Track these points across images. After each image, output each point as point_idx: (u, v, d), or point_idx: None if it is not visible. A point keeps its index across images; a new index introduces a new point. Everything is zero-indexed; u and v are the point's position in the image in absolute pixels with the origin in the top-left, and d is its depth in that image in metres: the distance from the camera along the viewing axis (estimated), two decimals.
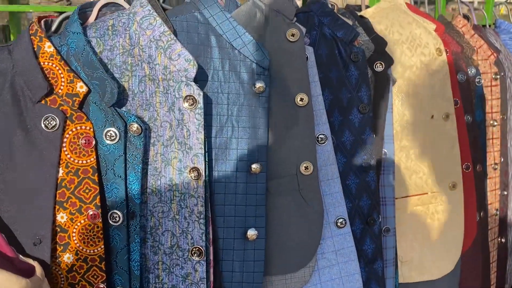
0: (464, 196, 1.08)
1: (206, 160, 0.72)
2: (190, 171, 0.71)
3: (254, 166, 0.76)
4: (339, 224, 0.86)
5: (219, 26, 0.77)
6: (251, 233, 0.76)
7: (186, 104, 0.69)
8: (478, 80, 1.18)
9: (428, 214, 1.05)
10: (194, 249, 0.73)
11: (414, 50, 1.03)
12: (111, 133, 0.67)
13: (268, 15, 0.83)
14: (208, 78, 0.76)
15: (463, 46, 1.16)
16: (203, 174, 0.71)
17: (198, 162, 0.71)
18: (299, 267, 0.83)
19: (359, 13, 1.03)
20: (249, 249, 0.78)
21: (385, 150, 0.98)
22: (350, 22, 0.95)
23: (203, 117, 0.69)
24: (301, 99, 0.82)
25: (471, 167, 1.10)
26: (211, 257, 0.74)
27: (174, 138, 0.71)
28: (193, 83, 0.69)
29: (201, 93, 0.69)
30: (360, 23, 0.97)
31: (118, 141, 0.68)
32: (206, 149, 0.72)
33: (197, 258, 0.72)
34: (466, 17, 1.25)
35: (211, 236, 0.74)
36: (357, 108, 0.92)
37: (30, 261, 0.63)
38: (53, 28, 0.71)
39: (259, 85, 0.77)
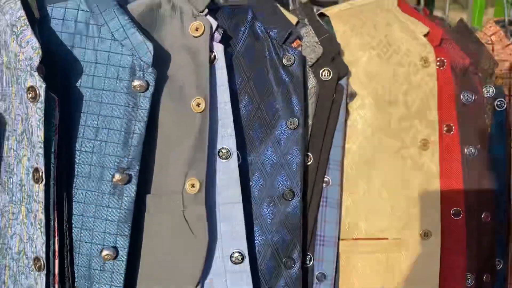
0: (446, 250, 0.84)
1: (53, 161, 0.64)
2: (33, 172, 0.64)
3: (117, 175, 0.66)
4: (234, 259, 0.72)
5: (102, 15, 0.68)
6: (106, 252, 0.66)
7: (29, 97, 0.62)
8: (499, 103, 0.91)
9: (387, 265, 0.82)
10: (36, 259, 0.65)
11: (388, 58, 0.82)
12: None
13: (176, 6, 0.72)
14: (81, 70, 0.68)
15: (479, 59, 0.91)
16: (43, 177, 0.63)
17: (39, 163, 0.63)
18: None
19: (323, 9, 0.86)
20: (106, 271, 0.68)
21: (328, 178, 0.80)
22: (295, 19, 0.79)
23: (43, 112, 0.61)
24: (198, 104, 0.70)
25: (462, 214, 0.85)
26: (56, 271, 0.66)
27: (24, 133, 0.65)
28: (36, 74, 0.61)
29: (43, 85, 0.61)
30: (310, 21, 0.80)
31: None
32: (55, 148, 0.64)
33: (37, 270, 0.65)
34: (500, 22, 0.99)
35: (56, 247, 0.66)
36: (285, 122, 0.76)
37: None
38: None
39: (139, 83, 0.67)
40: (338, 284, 0.82)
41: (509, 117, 0.92)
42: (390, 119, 0.82)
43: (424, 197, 0.82)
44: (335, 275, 0.81)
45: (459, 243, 0.85)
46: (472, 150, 0.87)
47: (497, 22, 1.00)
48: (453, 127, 0.85)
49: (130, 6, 0.72)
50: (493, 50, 0.96)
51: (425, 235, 0.82)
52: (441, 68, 0.85)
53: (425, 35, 0.85)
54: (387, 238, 0.82)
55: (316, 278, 0.80)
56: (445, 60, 0.85)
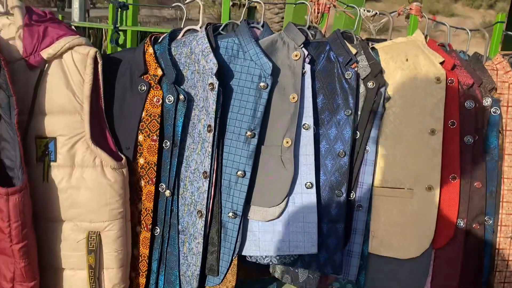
0: (444, 201, 1.30)
1: (217, 122, 1.23)
2: (207, 127, 1.24)
3: (248, 133, 1.24)
4: (307, 186, 1.26)
5: (246, 46, 1.27)
6: (240, 173, 1.24)
7: (209, 88, 1.22)
8: (494, 110, 1.35)
9: (402, 205, 1.31)
10: (204, 172, 1.25)
11: (413, 76, 1.31)
12: (170, 98, 1.25)
13: (285, 41, 1.29)
14: (234, 76, 1.27)
15: (482, 80, 1.35)
16: (213, 129, 1.22)
17: (211, 122, 1.22)
18: (271, 205, 1.26)
19: (373, 45, 1.37)
20: (238, 183, 1.25)
21: (368, 148, 1.31)
22: (355, 50, 1.32)
23: (216, 96, 1.21)
24: (293, 97, 1.25)
25: (457, 178, 1.31)
26: (213, 180, 1.25)
27: (204, 107, 1.25)
28: (214, 77, 1.21)
29: (217, 82, 1.21)
30: (365, 52, 1.32)
31: (172, 103, 1.25)
32: (220, 116, 1.23)
33: (204, 178, 1.25)
34: (506, 56, 1.42)
35: (215, 167, 1.25)
36: (343, 111, 1.29)
37: (122, 156, 1.26)
38: (159, 40, 1.33)
39: (263, 84, 1.24)
40: (370, 213, 1.33)
41: (502, 119, 1.35)
42: (411, 114, 1.31)
43: (430, 163, 1.30)
44: (368, 207, 1.32)
45: (454, 198, 1.31)
46: (470, 139, 1.33)
47: (504, 55, 1.42)
48: (456, 123, 1.31)
49: (260, 41, 1.29)
50: (497, 74, 1.39)
51: (429, 188, 1.30)
52: (451, 84, 1.32)
53: (441, 63, 1.32)
54: (403, 188, 1.31)
55: (356, 207, 1.32)
56: (454, 79, 1.32)
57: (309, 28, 1.37)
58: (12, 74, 1.15)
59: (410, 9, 1.42)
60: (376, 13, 1.38)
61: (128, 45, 1.75)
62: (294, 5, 1.39)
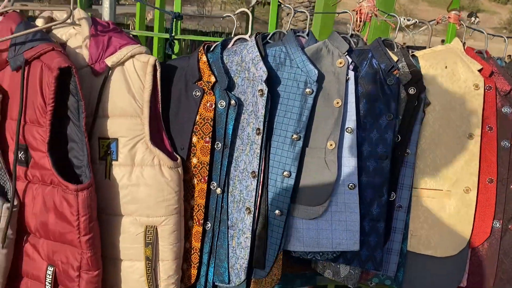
0: (481, 202, 1.36)
1: (266, 126, 1.32)
2: (256, 130, 1.32)
3: (294, 136, 1.32)
4: (349, 186, 1.34)
5: (293, 54, 1.35)
6: (286, 173, 1.33)
7: (259, 94, 1.31)
8: None
9: (441, 206, 1.38)
10: (252, 172, 1.34)
11: (452, 83, 1.37)
12: (222, 103, 1.35)
13: (330, 49, 1.36)
14: (281, 82, 1.35)
15: None
16: (262, 132, 1.31)
17: (260, 125, 1.31)
18: (315, 204, 1.34)
19: (413, 52, 1.43)
20: (284, 183, 1.34)
21: (409, 151, 1.38)
22: (396, 58, 1.38)
23: (266, 102, 1.30)
24: (337, 102, 1.33)
25: (494, 181, 1.36)
26: (261, 179, 1.34)
27: (252, 111, 1.34)
28: (264, 83, 1.30)
29: (267, 89, 1.29)
30: (406, 59, 1.39)
31: (224, 107, 1.34)
32: (268, 120, 1.32)
33: (252, 177, 1.34)
34: None
35: (262, 168, 1.34)
36: (385, 115, 1.35)
37: (177, 156, 1.36)
38: (211, 49, 1.42)
39: (308, 90, 1.32)
40: (410, 213, 1.39)
41: None
42: (450, 119, 1.37)
43: (468, 166, 1.35)
44: (407, 208, 1.39)
45: (490, 200, 1.36)
46: (506, 144, 1.38)
47: None
48: (493, 128, 1.37)
49: (306, 49, 1.37)
50: None
51: (467, 190, 1.36)
52: (489, 91, 1.37)
53: (479, 70, 1.38)
54: (441, 190, 1.38)
55: (396, 207, 1.38)
56: (491, 86, 1.37)
57: (351, 36, 1.45)
58: (80, 80, 1.26)
59: (449, 17, 1.48)
60: (416, 21, 1.44)
61: (155, 53, 1.84)
62: (308, 15, 1.46)
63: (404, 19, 1.44)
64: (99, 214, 1.33)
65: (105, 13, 1.83)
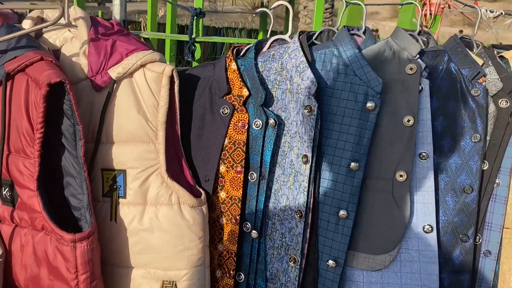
0: None
1: (315, 152, 1.02)
2: (302, 157, 1.03)
3: (352, 164, 1.02)
4: (425, 229, 1.03)
5: (348, 59, 1.05)
6: (342, 213, 1.03)
7: (306, 111, 1.01)
8: None
9: None
10: (298, 211, 1.04)
11: None
12: (257, 123, 1.05)
13: (395, 51, 1.06)
14: (332, 95, 1.05)
15: None
16: (310, 160, 1.01)
17: (308, 152, 1.01)
18: (380, 253, 1.04)
19: (502, 53, 1.11)
20: (339, 225, 1.04)
21: (499, 181, 1.06)
22: (481, 61, 1.07)
23: (315, 121, 1.00)
24: (408, 120, 1.02)
25: None
26: (309, 221, 1.04)
27: (297, 132, 1.04)
28: (312, 97, 1.00)
29: (316, 105, 0.99)
30: (493, 63, 1.07)
31: (261, 128, 1.05)
32: (317, 144, 1.02)
33: (298, 218, 1.04)
34: None
35: (311, 206, 1.04)
36: (470, 136, 1.04)
37: (201, 190, 1.07)
38: (241, 53, 1.13)
39: (370, 104, 1.02)
40: (500, 260, 1.08)
41: None
42: None
43: None
44: (498, 253, 1.07)
45: None
46: None
47: None
48: None
49: (364, 51, 1.07)
50: None
51: None
52: None
53: None
54: None
55: (483, 253, 1.07)
56: None
57: (419, 33, 1.13)
58: (77, 98, 0.98)
59: None
60: (501, 13, 1.13)
61: (167, 53, 1.58)
62: (364, 6, 1.13)
63: (486, 10, 1.13)
64: (103, 265, 1.04)
65: (116, 11, 1.59)
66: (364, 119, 1.02)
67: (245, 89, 1.05)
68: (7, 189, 1.04)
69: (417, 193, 1.04)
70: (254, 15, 1.15)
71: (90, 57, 1.03)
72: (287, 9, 1.47)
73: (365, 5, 1.13)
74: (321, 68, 1.06)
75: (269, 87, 1.07)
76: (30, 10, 1.12)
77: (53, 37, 1.09)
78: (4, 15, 1.10)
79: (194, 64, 1.25)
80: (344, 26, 1.09)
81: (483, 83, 1.05)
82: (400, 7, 1.27)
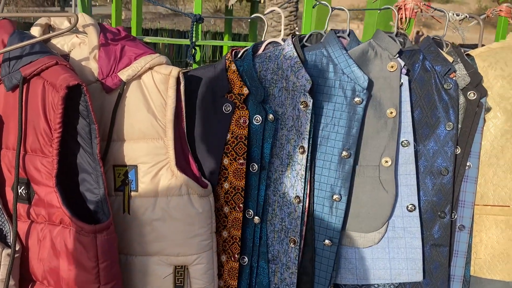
0: None
1: (310, 143, 1.14)
2: (299, 148, 1.14)
3: (344, 153, 1.14)
4: (409, 208, 1.16)
5: (336, 59, 1.17)
6: (336, 196, 1.15)
7: (301, 107, 1.12)
8: None
9: (507, 224, 1.22)
10: (296, 197, 1.15)
11: None
12: (257, 119, 1.15)
13: (377, 51, 1.18)
14: (323, 91, 1.17)
15: None
16: (307, 151, 1.13)
17: (304, 143, 1.13)
18: (370, 231, 1.17)
19: (468, 52, 1.27)
20: (333, 207, 1.16)
21: (470, 163, 1.21)
22: (451, 58, 1.22)
23: (310, 115, 1.11)
24: (391, 112, 1.15)
25: None
26: (307, 205, 1.16)
27: (293, 126, 1.15)
28: (307, 94, 1.11)
29: (311, 101, 1.11)
30: (462, 60, 1.22)
31: (260, 123, 1.15)
32: (311, 136, 1.14)
33: (296, 203, 1.15)
34: None
35: (308, 192, 1.15)
36: (444, 125, 1.19)
37: (206, 181, 1.17)
38: (239, 55, 1.23)
39: (358, 99, 1.14)
40: (472, 233, 1.23)
41: None
42: None
43: None
44: (470, 228, 1.22)
45: None
46: None
47: None
48: None
49: (350, 51, 1.19)
50: None
51: None
52: None
53: None
54: (508, 206, 1.22)
55: (458, 228, 1.22)
56: None
57: (396, 35, 1.27)
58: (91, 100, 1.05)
59: (500, 10, 1.32)
60: (466, 16, 1.28)
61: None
62: (330, 8, 1.26)
63: (453, 14, 1.28)
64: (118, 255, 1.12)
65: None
66: (353, 112, 1.15)
67: (245, 88, 1.15)
68: (23, 187, 1.10)
69: (401, 177, 1.17)
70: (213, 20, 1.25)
71: (101, 61, 1.10)
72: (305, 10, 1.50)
73: (349, 10, 1.25)
74: (313, 68, 1.17)
75: (267, 85, 1.18)
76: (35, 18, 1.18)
77: (61, 42, 1.16)
78: (14, 23, 1.15)
79: (194, 66, 1.34)
80: (332, 29, 1.21)
81: (454, 78, 1.20)
82: (379, 11, 1.41)
